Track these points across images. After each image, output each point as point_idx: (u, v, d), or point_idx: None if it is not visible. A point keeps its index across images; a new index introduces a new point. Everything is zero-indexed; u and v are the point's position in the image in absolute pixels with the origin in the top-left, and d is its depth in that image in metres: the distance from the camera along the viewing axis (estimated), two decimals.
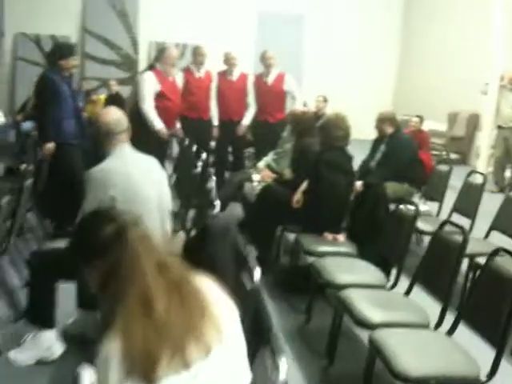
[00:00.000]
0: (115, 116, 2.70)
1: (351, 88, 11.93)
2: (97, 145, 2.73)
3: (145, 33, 11.31)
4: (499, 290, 2.21)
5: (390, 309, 2.58)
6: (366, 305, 2.54)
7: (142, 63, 10.62)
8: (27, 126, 7.36)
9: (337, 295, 2.75)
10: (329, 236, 3.63)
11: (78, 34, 11.32)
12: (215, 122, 6.17)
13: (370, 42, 12.36)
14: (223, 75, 6.24)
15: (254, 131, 6.37)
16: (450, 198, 4.79)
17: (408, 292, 2.83)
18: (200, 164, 3.89)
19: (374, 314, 2.47)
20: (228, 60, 6.17)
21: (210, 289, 1.27)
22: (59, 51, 4.42)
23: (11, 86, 10.81)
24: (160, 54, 5.50)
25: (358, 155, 5.22)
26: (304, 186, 3.93)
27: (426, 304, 2.70)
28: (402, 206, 3.34)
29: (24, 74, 9.98)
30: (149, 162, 2.80)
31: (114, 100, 7.86)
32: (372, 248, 3.40)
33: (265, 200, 4.07)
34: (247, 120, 6.24)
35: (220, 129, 6.21)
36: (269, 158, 5.37)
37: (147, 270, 1.15)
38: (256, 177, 4.62)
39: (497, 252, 2.31)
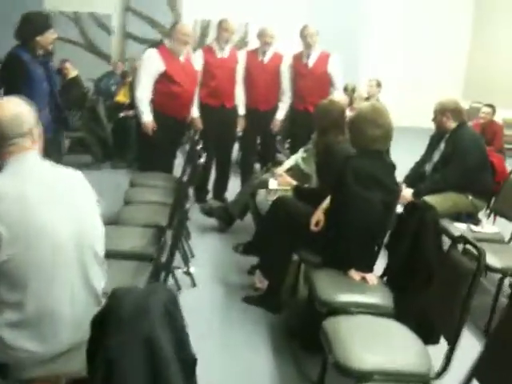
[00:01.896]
0: (13, 111, 1.80)
1: (413, 71, 10.61)
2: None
3: (189, 10, 10.47)
4: None
5: None
6: None
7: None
8: None
9: None
10: (355, 275, 2.61)
11: (120, 13, 10.74)
12: (241, 110, 5.20)
13: (435, 18, 10.89)
14: (253, 55, 5.23)
15: (291, 123, 5.34)
16: None
17: None
18: (188, 170, 2.92)
19: None
20: (262, 37, 5.14)
21: None
22: (33, 25, 3.53)
23: None
24: (171, 29, 4.58)
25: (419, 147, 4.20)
26: (326, 202, 2.91)
27: None
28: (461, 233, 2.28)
29: (62, 55, 9.40)
30: (66, 181, 1.88)
31: None
32: (414, 301, 2.36)
33: (277, 216, 3.08)
34: (281, 113, 5.23)
35: (246, 119, 5.23)
36: (298, 156, 4.36)
37: None
38: (273, 183, 3.59)
39: None
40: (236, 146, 6.15)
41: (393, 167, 2.73)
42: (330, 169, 3.07)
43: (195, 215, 4.68)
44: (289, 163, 4.31)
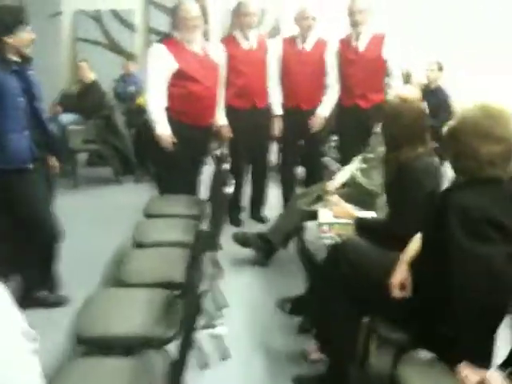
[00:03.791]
0: None
1: (483, 50, 9.33)
2: None
3: (216, 0, 9.60)
4: None
5: None
6: None
7: (215, 34, 8.99)
8: (67, 118, 6.17)
9: None
10: (471, 375, 1.65)
11: (143, 7, 10.04)
12: (277, 110, 4.29)
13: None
14: (291, 43, 4.29)
15: (339, 122, 4.42)
16: None
17: None
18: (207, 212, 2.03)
19: None
20: (302, 19, 4.19)
21: None
22: None
23: (71, 70, 9.78)
24: (173, 15, 3.71)
25: None
26: (412, 249, 1.97)
27: None
28: None
29: (84, 56, 8.76)
30: None
31: None
32: None
33: (337, 270, 2.15)
34: (325, 108, 4.28)
35: (284, 119, 4.31)
36: (353, 167, 3.41)
37: None
38: (325, 215, 2.63)
39: None
40: (274, 149, 5.27)
41: None
42: (409, 196, 2.14)
43: (228, 243, 3.78)
44: (343, 177, 3.38)
